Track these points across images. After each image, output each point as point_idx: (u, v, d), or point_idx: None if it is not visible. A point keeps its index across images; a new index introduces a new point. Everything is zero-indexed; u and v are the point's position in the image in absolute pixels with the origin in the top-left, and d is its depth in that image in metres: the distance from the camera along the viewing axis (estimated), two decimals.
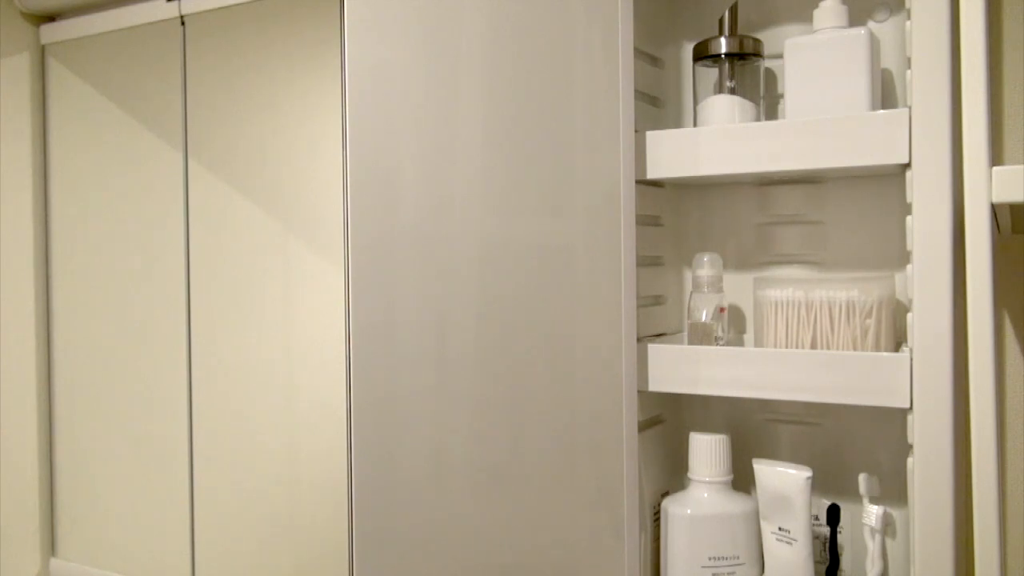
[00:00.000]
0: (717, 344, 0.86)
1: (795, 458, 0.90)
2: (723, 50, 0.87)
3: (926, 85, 0.72)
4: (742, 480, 0.87)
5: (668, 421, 0.94)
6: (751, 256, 0.94)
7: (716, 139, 0.82)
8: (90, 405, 1.14)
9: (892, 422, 0.85)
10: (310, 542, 0.98)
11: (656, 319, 0.92)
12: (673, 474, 0.93)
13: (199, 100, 1.04)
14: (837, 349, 0.79)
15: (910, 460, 0.74)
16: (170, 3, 1.04)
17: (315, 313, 0.97)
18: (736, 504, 0.85)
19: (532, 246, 0.76)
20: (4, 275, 1.13)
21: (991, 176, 0.62)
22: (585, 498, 0.80)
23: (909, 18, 0.73)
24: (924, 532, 0.72)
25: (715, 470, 0.85)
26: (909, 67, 0.73)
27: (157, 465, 1.09)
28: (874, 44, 0.80)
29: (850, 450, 0.89)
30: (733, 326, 0.93)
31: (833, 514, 0.86)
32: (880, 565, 0.81)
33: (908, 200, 0.74)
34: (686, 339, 0.89)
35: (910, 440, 0.74)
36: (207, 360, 1.05)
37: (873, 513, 0.81)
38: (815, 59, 0.80)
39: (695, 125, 0.89)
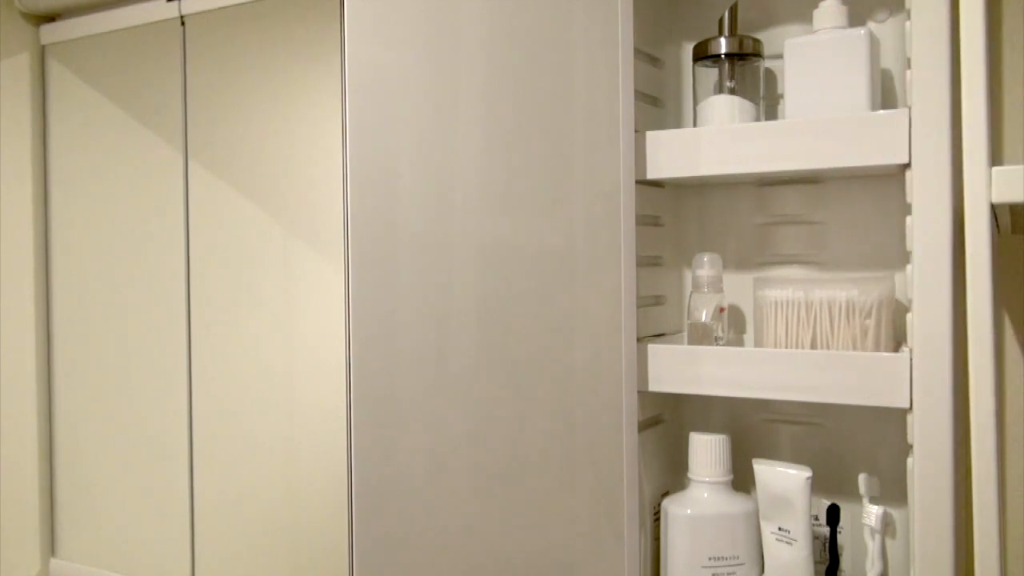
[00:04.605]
0: (717, 344, 0.86)
1: (795, 458, 0.90)
2: (723, 50, 0.87)
3: (926, 85, 0.72)
4: (742, 480, 0.87)
5: (668, 421, 0.94)
6: (751, 256, 0.94)
7: (716, 139, 0.82)
8: (90, 405, 1.14)
9: (892, 422, 0.85)
10: (310, 542, 0.98)
11: (656, 319, 0.92)
12: (673, 474, 0.93)
13: (199, 100, 1.04)
14: (837, 349, 0.79)
15: (910, 460, 0.74)
16: (170, 3, 1.04)
17: (315, 313, 0.97)
18: (736, 504, 0.85)
19: (532, 246, 0.76)
20: (4, 275, 1.13)
21: (991, 176, 0.62)
22: (585, 498, 0.80)
23: (909, 18, 0.73)
24: (924, 532, 0.72)
25: (715, 470, 0.85)
26: (909, 67, 0.73)
27: (157, 465, 1.09)
28: (874, 44, 0.80)
29: (850, 450, 0.89)
30: (733, 326, 0.93)
31: (833, 514, 0.86)
32: (880, 565, 0.81)
33: (908, 200, 0.74)
34: (686, 339, 0.89)
35: (910, 440, 0.74)
36: (207, 360, 1.05)
37: (873, 513, 0.81)
38: (815, 59, 0.80)
39: (695, 125, 0.89)
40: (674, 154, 0.84)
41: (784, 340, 0.82)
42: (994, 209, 0.63)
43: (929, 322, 0.72)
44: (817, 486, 0.85)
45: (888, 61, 0.85)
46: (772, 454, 0.92)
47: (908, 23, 0.74)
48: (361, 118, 0.67)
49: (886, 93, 0.85)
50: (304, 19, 0.96)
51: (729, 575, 0.84)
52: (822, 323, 0.80)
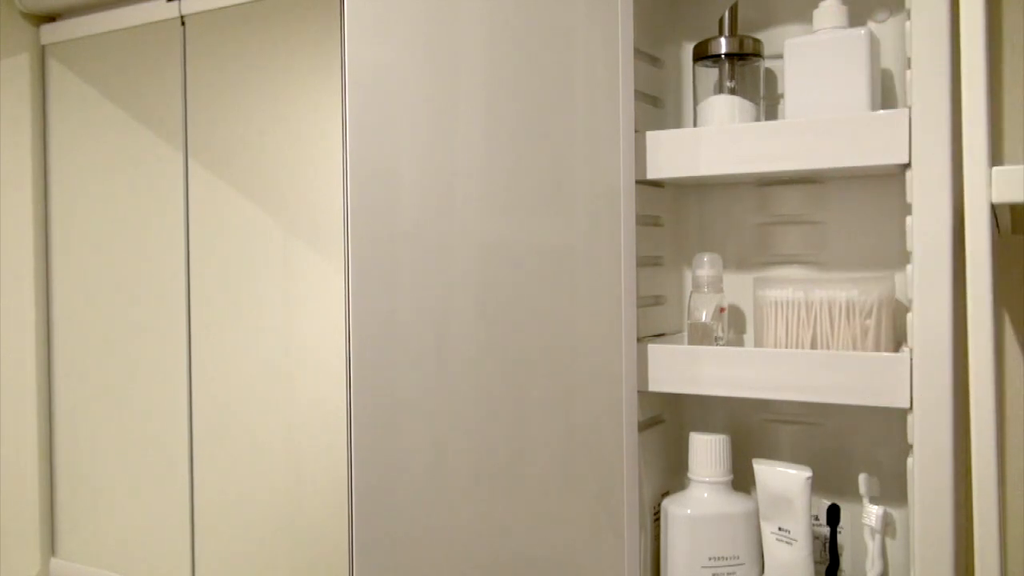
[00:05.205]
0: (717, 344, 0.86)
1: (795, 458, 0.90)
2: (723, 50, 0.87)
3: (926, 85, 0.72)
4: (742, 480, 0.87)
5: (668, 421, 0.94)
6: (751, 256, 0.94)
7: (716, 139, 0.82)
8: (90, 405, 1.14)
9: (892, 422, 0.85)
10: (310, 542, 0.98)
11: (656, 319, 0.92)
12: (673, 474, 0.93)
13: (199, 100, 1.04)
14: (837, 349, 0.79)
15: (910, 460, 0.74)
16: (170, 3, 1.04)
17: (315, 313, 0.97)
18: (736, 504, 0.85)
19: (532, 246, 0.76)
20: (4, 275, 1.13)
21: (991, 176, 0.62)
22: (585, 498, 0.80)
23: (909, 18, 0.73)
24: (924, 532, 0.72)
25: (715, 470, 0.85)
26: (909, 67, 0.73)
27: (157, 465, 1.09)
28: (874, 44, 0.80)
29: (850, 450, 0.89)
30: (733, 326, 0.93)
31: (833, 514, 0.86)
32: (880, 565, 0.81)
33: (908, 200, 0.74)
34: (686, 339, 0.89)
35: (910, 440, 0.74)
36: (207, 360, 1.05)
37: (873, 513, 0.81)
38: (815, 59, 0.80)
39: (695, 125, 0.89)
40: (674, 154, 0.84)
41: (784, 340, 0.82)
42: (994, 209, 0.63)
43: (929, 322, 0.72)
44: (817, 486, 0.85)
45: (888, 61, 0.85)
46: (772, 454, 0.92)
47: (908, 23, 0.74)
48: (361, 118, 0.67)
49: (886, 93, 0.85)
50: (304, 19, 0.95)
51: (729, 575, 0.84)
52: (822, 323, 0.80)
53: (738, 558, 0.84)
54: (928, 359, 0.72)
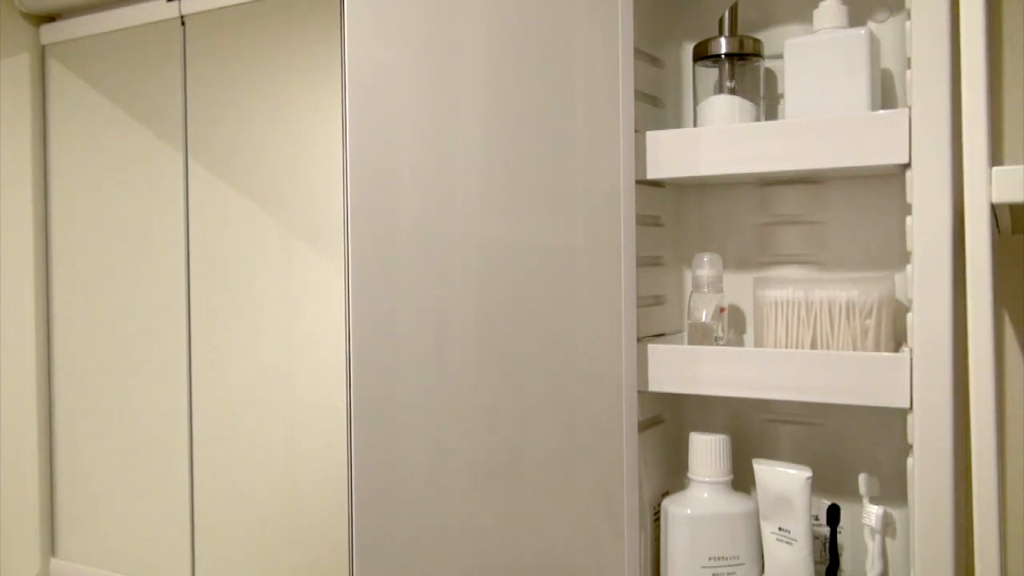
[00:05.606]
0: (717, 344, 0.86)
1: (795, 458, 0.90)
2: (723, 50, 0.87)
3: (926, 85, 0.72)
4: (742, 480, 0.87)
5: (668, 421, 0.94)
6: (751, 256, 0.94)
7: (716, 139, 0.82)
8: (90, 405, 1.14)
9: (892, 422, 0.85)
10: (310, 542, 0.98)
11: (656, 319, 0.92)
12: (673, 474, 0.93)
13: (199, 100, 1.04)
14: (837, 349, 0.79)
15: (910, 460, 0.74)
16: (170, 3, 1.04)
17: (315, 313, 0.97)
18: (736, 504, 0.85)
19: (532, 246, 0.76)
20: (4, 275, 1.13)
21: (991, 176, 0.62)
22: (585, 498, 0.80)
23: (909, 18, 0.73)
24: (924, 532, 0.72)
25: (715, 470, 0.85)
26: (909, 67, 0.73)
27: (157, 465, 1.09)
28: (874, 44, 0.80)
29: (850, 450, 0.89)
30: (733, 326, 0.93)
31: (833, 514, 0.86)
32: (880, 565, 0.81)
33: (908, 200, 0.74)
34: (686, 339, 0.89)
35: (910, 440, 0.74)
36: (207, 360, 1.05)
37: (873, 513, 0.81)
38: (815, 59, 0.80)
39: (695, 125, 0.89)
40: (674, 154, 0.84)
41: (784, 340, 0.82)
42: (994, 209, 0.63)
43: (929, 322, 0.72)
44: (817, 486, 0.85)
45: (888, 61, 0.85)
46: (772, 454, 0.92)
47: (908, 23, 0.74)
48: (361, 117, 0.67)
49: (886, 93, 0.85)
50: (304, 19, 0.95)
51: (729, 575, 0.84)
52: (822, 323, 0.80)
53: (738, 558, 0.84)
54: (928, 359, 0.72)
